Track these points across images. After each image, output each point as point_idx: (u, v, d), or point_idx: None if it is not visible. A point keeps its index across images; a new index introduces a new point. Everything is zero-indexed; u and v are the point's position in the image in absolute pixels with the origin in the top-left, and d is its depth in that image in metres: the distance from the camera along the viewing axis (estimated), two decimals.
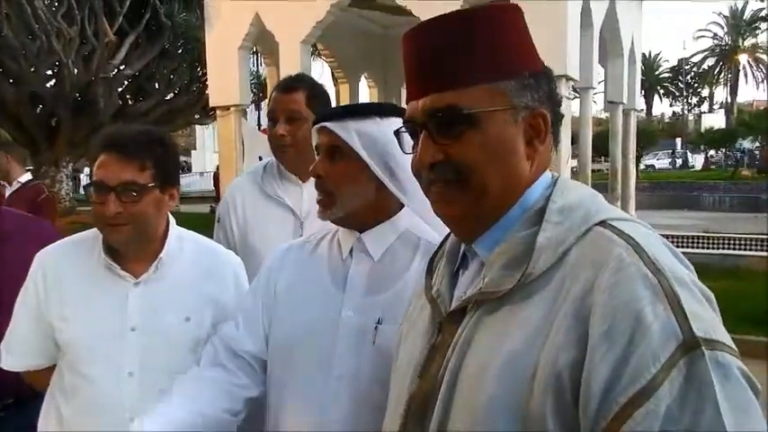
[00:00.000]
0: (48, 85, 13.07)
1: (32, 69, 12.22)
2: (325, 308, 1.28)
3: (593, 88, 7.36)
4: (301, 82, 2.05)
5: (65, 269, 1.52)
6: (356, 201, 1.27)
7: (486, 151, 0.79)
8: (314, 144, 1.34)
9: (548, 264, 0.74)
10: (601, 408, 0.64)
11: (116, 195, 1.40)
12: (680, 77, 53.68)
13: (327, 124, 1.28)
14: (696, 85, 55.26)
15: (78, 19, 11.83)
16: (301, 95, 1.98)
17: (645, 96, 51.07)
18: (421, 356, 0.86)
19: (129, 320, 1.48)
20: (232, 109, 7.19)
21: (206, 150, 30.82)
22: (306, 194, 2.06)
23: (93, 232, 1.55)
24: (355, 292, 1.28)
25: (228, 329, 1.39)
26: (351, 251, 1.32)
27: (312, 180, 2.03)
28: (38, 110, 13.36)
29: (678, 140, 41.67)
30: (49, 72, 13.15)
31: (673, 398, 0.62)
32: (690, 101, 55.86)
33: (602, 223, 0.75)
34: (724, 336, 0.67)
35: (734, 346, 0.67)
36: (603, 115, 24.01)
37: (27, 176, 4.45)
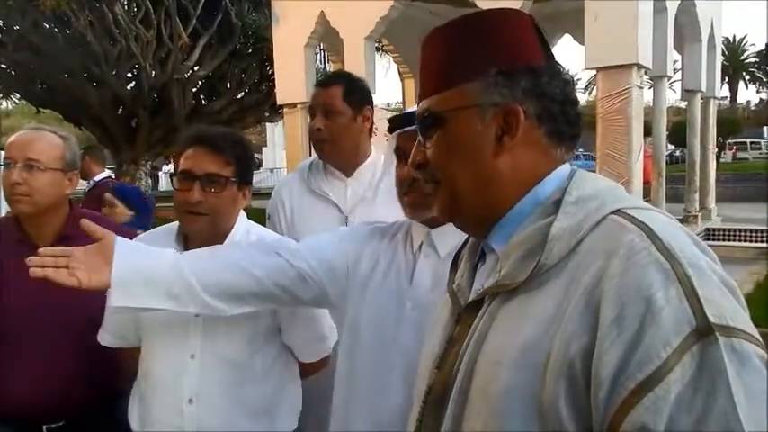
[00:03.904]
0: (128, 87, 13.70)
1: (114, 73, 12.84)
2: (392, 298, 1.33)
3: (669, 76, 7.04)
4: (338, 77, 2.08)
5: None
6: None
7: (450, 150, 0.84)
8: (394, 147, 1.38)
9: (561, 254, 0.74)
10: (610, 394, 0.63)
11: (200, 185, 1.51)
12: None
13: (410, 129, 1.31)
14: None
15: (155, 23, 12.34)
16: (338, 90, 2.00)
17: (729, 83, 48.43)
18: (440, 349, 0.88)
19: None
20: (299, 106, 7.33)
21: (276, 147, 31.44)
22: (350, 190, 2.07)
23: (174, 225, 1.67)
24: (420, 287, 1.31)
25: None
26: (420, 245, 1.35)
27: (356, 175, 2.07)
28: (119, 111, 14.05)
29: (765, 129, 39.33)
30: (129, 75, 13.79)
31: (684, 384, 0.60)
32: None
33: (617, 212, 0.74)
34: (744, 323, 0.64)
35: (757, 335, 0.65)
36: (683, 104, 22.96)
37: (102, 174, 4.77)
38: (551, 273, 0.74)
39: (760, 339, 0.65)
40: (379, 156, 2.12)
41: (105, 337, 1.72)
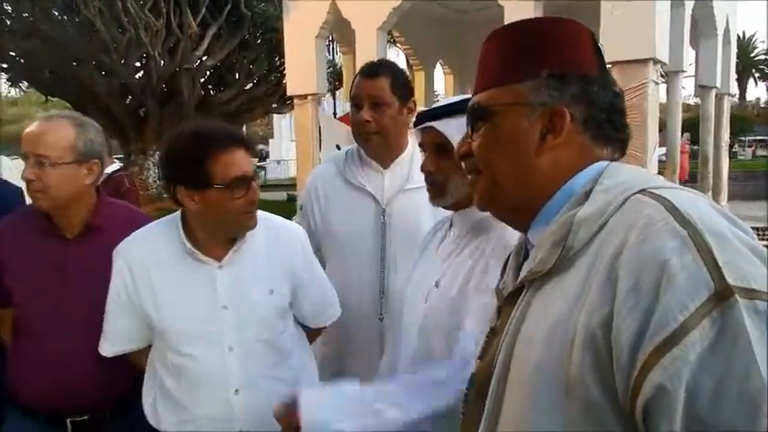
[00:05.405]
0: (136, 76, 13.68)
1: (122, 62, 12.82)
2: (425, 272, 1.51)
3: (684, 71, 6.95)
4: (385, 68, 2.02)
5: (148, 259, 1.61)
6: (464, 189, 1.38)
7: (495, 143, 0.88)
8: (418, 142, 1.49)
9: (587, 236, 0.75)
10: (630, 360, 0.64)
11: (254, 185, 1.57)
12: None
13: (433, 124, 1.40)
14: None
15: (164, 12, 12.31)
16: (386, 81, 1.95)
17: (738, 80, 48.05)
18: (483, 340, 0.94)
19: (221, 300, 1.60)
20: (309, 98, 7.27)
21: (283, 139, 31.44)
22: (387, 181, 2.04)
23: (168, 220, 1.66)
24: (440, 262, 1.47)
25: None
26: (450, 226, 1.52)
27: (393, 166, 2.05)
28: (127, 101, 14.04)
29: None
30: (138, 64, 13.76)
31: (704, 348, 0.60)
32: None
33: (641, 192, 0.75)
34: None
35: None
36: (692, 101, 22.78)
37: (114, 167, 4.48)
38: (579, 254, 0.76)
39: None
40: (416, 147, 2.09)
41: (107, 348, 1.69)
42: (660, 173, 6.43)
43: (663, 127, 6.87)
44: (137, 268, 1.61)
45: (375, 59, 2.19)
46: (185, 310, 1.58)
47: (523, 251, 0.95)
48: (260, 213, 1.70)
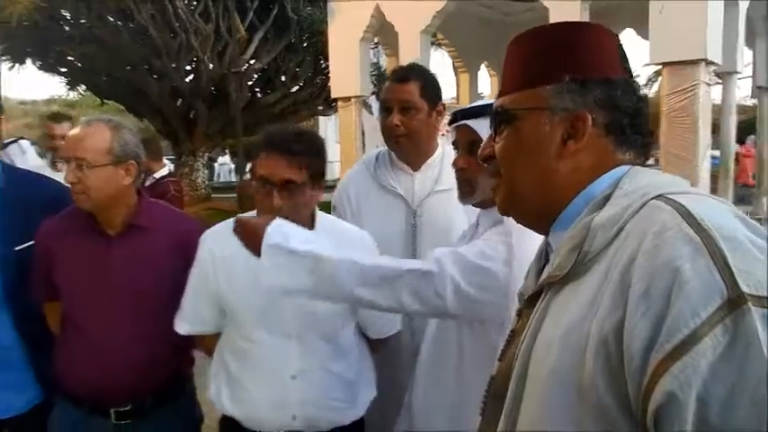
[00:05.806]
0: (186, 79, 14.01)
1: (173, 65, 13.15)
2: None
3: (738, 72, 6.72)
4: (415, 72, 2.05)
5: (230, 247, 1.67)
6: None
7: (516, 147, 0.89)
8: (452, 139, 1.53)
9: (604, 241, 0.75)
10: (641, 366, 0.64)
11: (278, 191, 1.59)
12: None
13: (468, 122, 1.44)
14: None
15: (213, 17, 12.59)
16: (415, 86, 1.98)
17: None
18: (503, 343, 0.94)
19: None
20: (353, 100, 7.33)
21: (328, 141, 31.60)
22: (417, 183, 2.05)
23: (253, 215, 1.74)
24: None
25: None
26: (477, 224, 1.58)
27: (423, 169, 2.06)
28: (178, 103, 14.39)
29: None
30: (188, 68, 14.09)
31: (716, 355, 0.59)
32: None
33: (659, 197, 0.74)
34: None
35: None
36: (750, 102, 21.96)
37: (163, 171, 4.50)
38: (595, 259, 0.76)
39: None
40: (445, 149, 2.10)
41: (183, 326, 1.80)
42: (714, 176, 6.23)
43: (716, 130, 6.65)
44: (218, 253, 1.72)
45: (410, 62, 2.21)
46: (256, 294, 1.66)
47: (544, 255, 0.95)
48: (333, 219, 1.80)
